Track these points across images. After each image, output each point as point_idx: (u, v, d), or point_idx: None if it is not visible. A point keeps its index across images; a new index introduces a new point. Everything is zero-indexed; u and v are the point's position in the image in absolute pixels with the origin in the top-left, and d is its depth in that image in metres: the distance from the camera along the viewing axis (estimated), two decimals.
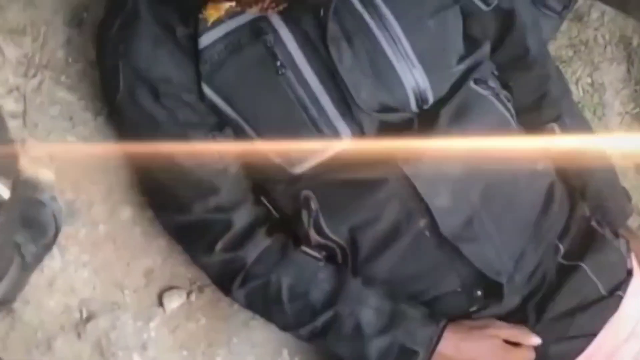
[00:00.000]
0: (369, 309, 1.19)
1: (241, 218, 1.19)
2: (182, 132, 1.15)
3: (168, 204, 1.22)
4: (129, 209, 1.35)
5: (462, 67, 1.19)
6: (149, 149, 1.18)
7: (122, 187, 1.35)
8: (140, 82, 1.14)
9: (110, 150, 1.34)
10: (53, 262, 1.30)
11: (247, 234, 1.20)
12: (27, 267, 1.24)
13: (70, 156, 1.33)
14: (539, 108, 1.31)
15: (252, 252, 1.20)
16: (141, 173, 1.27)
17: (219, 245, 1.19)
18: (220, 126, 1.16)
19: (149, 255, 1.35)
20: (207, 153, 1.16)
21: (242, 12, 1.10)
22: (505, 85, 1.28)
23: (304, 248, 1.21)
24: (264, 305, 1.23)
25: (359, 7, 1.12)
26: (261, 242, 1.20)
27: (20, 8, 1.31)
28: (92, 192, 1.34)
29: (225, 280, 1.22)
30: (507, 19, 1.26)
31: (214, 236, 1.19)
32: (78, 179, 1.33)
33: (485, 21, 1.25)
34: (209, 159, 1.17)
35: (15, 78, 1.31)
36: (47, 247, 1.28)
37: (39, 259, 1.27)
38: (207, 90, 1.13)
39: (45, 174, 1.31)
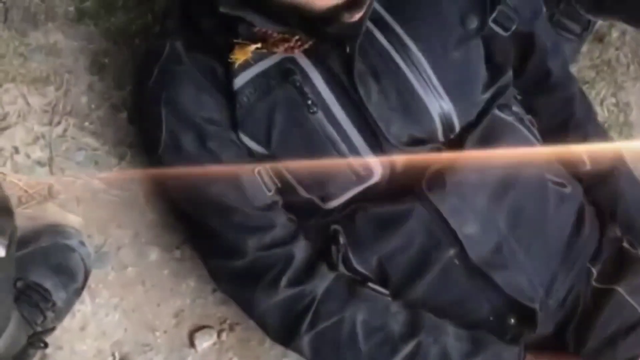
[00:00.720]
0: (449, 335, 1.16)
1: (301, 250, 1.17)
2: (230, 173, 1.13)
3: (220, 250, 1.18)
4: (156, 250, 1.36)
5: (487, 95, 1.19)
6: (195, 194, 1.16)
7: (148, 229, 1.36)
8: (185, 127, 1.12)
9: (136, 193, 1.35)
10: (84, 306, 1.30)
11: (311, 266, 1.17)
12: (59, 314, 1.25)
13: (96, 201, 1.34)
14: (564, 131, 1.30)
15: (320, 285, 1.16)
16: (187, 220, 1.23)
17: (283, 281, 1.15)
18: (260, 163, 1.15)
19: (179, 295, 1.35)
20: (257, 189, 1.14)
21: (269, 53, 1.10)
22: (529, 109, 1.27)
23: (370, 284, 1.18)
24: (334, 349, 1.16)
25: (384, 42, 1.12)
26: (327, 275, 1.17)
27: (42, 58, 1.34)
28: (120, 236, 1.35)
29: (291, 324, 1.16)
30: (526, 43, 1.26)
31: (276, 273, 1.15)
32: (105, 223, 1.34)
33: (505, 47, 1.25)
34: (259, 194, 1.15)
35: (40, 126, 1.33)
36: (77, 292, 1.29)
37: (69, 304, 1.28)
38: (242, 136, 1.13)
39: (72, 220, 1.32)
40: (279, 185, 1.16)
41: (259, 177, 1.14)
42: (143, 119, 1.20)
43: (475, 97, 1.17)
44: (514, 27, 1.21)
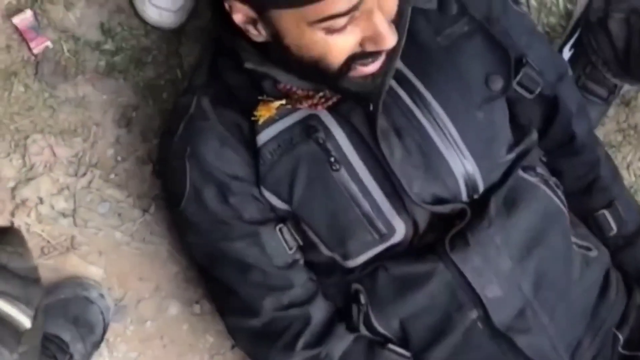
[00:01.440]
0: None
1: (319, 310, 1.17)
2: (252, 230, 1.14)
3: (237, 307, 1.18)
4: (176, 304, 1.36)
5: (512, 155, 1.18)
6: (214, 250, 1.16)
7: (169, 283, 1.36)
8: (208, 182, 1.13)
9: (158, 246, 1.35)
10: (101, 359, 1.29)
11: (329, 328, 1.16)
12: None
13: (118, 253, 1.34)
14: (589, 194, 1.29)
15: (337, 347, 1.15)
16: (206, 275, 1.24)
17: (300, 343, 1.14)
18: (282, 220, 1.15)
19: (197, 351, 1.34)
20: (278, 247, 1.14)
21: (292, 110, 1.11)
22: (554, 172, 1.27)
23: (390, 346, 1.16)
24: None
25: (407, 100, 1.12)
26: (345, 336, 1.16)
27: (71, 110, 1.35)
28: (140, 289, 1.35)
29: None
30: (551, 106, 1.26)
31: (293, 334, 1.15)
32: (126, 276, 1.35)
33: (530, 108, 1.25)
34: (279, 252, 1.15)
35: (66, 177, 1.34)
36: (96, 345, 1.28)
37: (87, 357, 1.27)
38: (264, 192, 1.13)
39: (93, 272, 1.32)
40: (301, 242, 1.16)
41: (279, 234, 1.14)
42: (168, 173, 1.21)
43: (499, 158, 1.17)
44: (538, 90, 1.21)
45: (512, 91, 1.19)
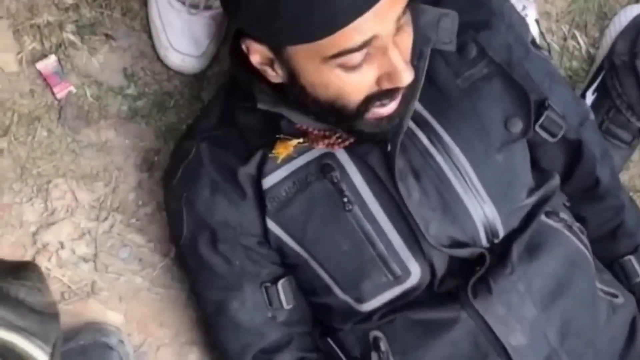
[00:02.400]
0: None
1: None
2: (236, 282, 1.17)
3: (224, 356, 1.23)
4: (196, 350, 1.35)
5: (533, 200, 1.17)
6: (204, 298, 1.21)
7: (189, 329, 1.35)
8: (201, 229, 1.16)
9: (178, 292, 1.35)
10: None
11: None
12: None
13: (139, 298, 1.34)
14: (614, 240, 1.27)
15: None
16: (203, 321, 1.30)
17: None
18: (275, 275, 1.17)
19: None
20: (258, 304, 1.17)
21: (309, 148, 1.11)
22: (578, 217, 1.25)
23: None
24: None
25: (425, 141, 1.11)
26: None
27: (93, 154, 1.36)
28: (160, 335, 1.34)
29: None
30: (574, 151, 1.25)
31: None
32: (146, 321, 1.34)
33: (553, 153, 1.24)
34: (258, 309, 1.17)
35: (87, 222, 1.34)
36: None
37: None
38: (272, 226, 1.13)
39: (113, 317, 1.32)
40: (288, 305, 1.17)
41: (263, 292, 1.17)
42: (169, 214, 1.25)
43: (519, 202, 1.15)
44: (561, 133, 1.20)
45: (535, 135, 1.18)
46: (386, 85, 0.98)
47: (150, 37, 1.38)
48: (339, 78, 0.96)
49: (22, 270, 0.91)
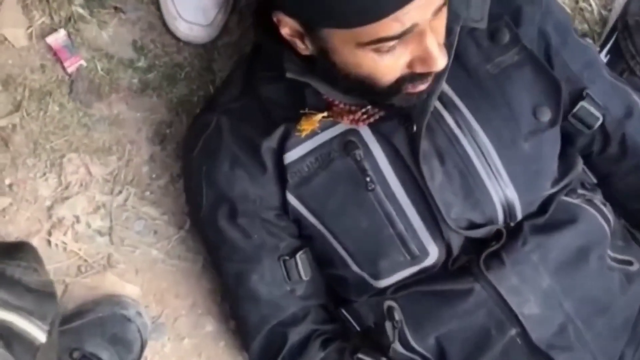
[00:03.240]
0: None
1: (298, 333, 1.19)
2: (255, 255, 1.17)
3: (242, 328, 1.25)
4: (212, 321, 1.36)
5: (555, 189, 1.16)
6: (224, 270, 1.21)
7: (205, 300, 1.36)
8: (221, 201, 1.16)
9: (193, 263, 1.36)
10: None
11: (301, 349, 1.19)
12: None
13: (154, 270, 1.35)
14: None
15: None
16: (222, 292, 1.31)
17: None
18: (292, 248, 1.18)
19: None
20: (276, 277, 1.18)
21: (333, 123, 1.10)
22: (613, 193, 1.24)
23: (360, 355, 1.18)
24: None
25: (452, 124, 1.10)
26: (314, 356, 1.19)
27: (105, 128, 1.36)
28: (177, 306, 1.35)
29: None
30: (619, 145, 1.21)
31: (274, 353, 1.20)
32: (163, 293, 1.35)
33: (588, 143, 1.21)
34: (277, 282, 1.18)
35: (102, 196, 1.35)
36: None
37: None
38: (292, 200, 1.13)
39: (130, 290, 1.33)
40: (306, 277, 1.18)
41: (281, 264, 1.17)
42: (188, 186, 1.25)
43: (543, 191, 1.15)
44: (597, 125, 1.17)
45: (569, 125, 1.17)
46: (419, 69, 0.97)
47: (158, 8, 1.37)
48: (372, 60, 0.95)
49: (18, 250, 0.92)
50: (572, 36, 1.18)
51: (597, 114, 1.17)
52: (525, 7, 1.15)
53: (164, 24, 1.36)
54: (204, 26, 1.35)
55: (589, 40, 1.26)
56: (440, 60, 0.96)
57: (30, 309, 0.86)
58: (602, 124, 1.18)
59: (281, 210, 1.16)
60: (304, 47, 1.01)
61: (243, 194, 1.15)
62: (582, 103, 1.16)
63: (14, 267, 0.88)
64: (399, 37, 0.92)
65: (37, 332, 0.85)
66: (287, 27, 0.99)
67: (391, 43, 0.93)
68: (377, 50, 0.94)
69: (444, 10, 0.96)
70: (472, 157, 1.10)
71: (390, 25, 0.90)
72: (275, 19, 0.99)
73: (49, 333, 0.86)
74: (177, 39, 1.36)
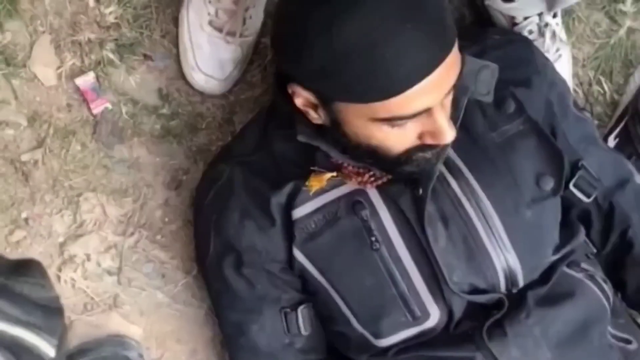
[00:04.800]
0: None
1: None
2: (256, 306, 1.18)
3: None
4: None
5: (557, 256, 1.18)
6: (225, 318, 1.23)
7: (205, 347, 1.37)
8: (227, 251, 1.18)
9: (197, 310, 1.37)
10: None
11: None
12: None
13: (159, 314, 1.36)
14: None
15: None
16: (222, 341, 1.32)
17: None
18: (295, 301, 1.19)
19: None
20: (276, 329, 1.19)
21: (341, 183, 1.13)
22: (617, 283, 1.25)
23: None
24: None
25: (457, 189, 1.13)
26: None
27: (124, 170, 1.39)
28: (177, 350, 1.36)
29: None
30: (607, 215, 1.24)
31: None
32: (165, 337, 1.36)
33: (586, 212, 1.24)
34: (276, 334, 1.19)
35: (114, 236, 1.37)
36: None
37: None
38: (298, 255, 1.15)
39: (134, 331, 1.34)
40: (306, 332, 1.19)
41: (282, 317, 1.18)
42: (197, 233, 1.27)
43: (544, 258, 1.17)
44: (594, 194, 1.21)
45: (570, 194, 1.20)
46: (429, 141, 1.00)
47: (178, 60, 1.41)
48: (383, 133, 0.99)
49: (25, 267, 0.93)
50: (571, 108, 1.23)
51: (595, 183, 1.21)
52: (533, 77, 1.19)
53: (182, 72, 1.40)
54: (219, 80, 1.38)
55: (587, 114, 1.30)
56: (449, 134, 0.99)
57: (39, 324, 0.87)
58: (595, 196, 1.22)
59: (286, 264, 1.18)
60: (316, 117, 1.04)
61: (250, 245, 1.17)
62: (580, 172, 1.19)
63: (22, 284, 0.89)
64: (412, 117, 0.96)
65: (47, 347, 0.86)
66: (302, 97, 1.02)
67: (403, 121, 0.97)
68: (389, 124, 0.98)
69: (453, 89, 1.00)
70: (475, 223, 1.12)
71: (406, 104, 0.95)
72: (290, 91, 1.02)
73: (58, 348, 0.87)
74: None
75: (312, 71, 0.96)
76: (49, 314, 0.89)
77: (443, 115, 0.98)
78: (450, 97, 1.00)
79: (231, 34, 1.36)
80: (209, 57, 1.37)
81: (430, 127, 0.99)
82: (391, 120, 0.97)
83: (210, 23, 1.36)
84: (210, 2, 1.35)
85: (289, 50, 0.98)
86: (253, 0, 1.35)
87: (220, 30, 1.36)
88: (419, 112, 0.96)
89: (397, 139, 1.00)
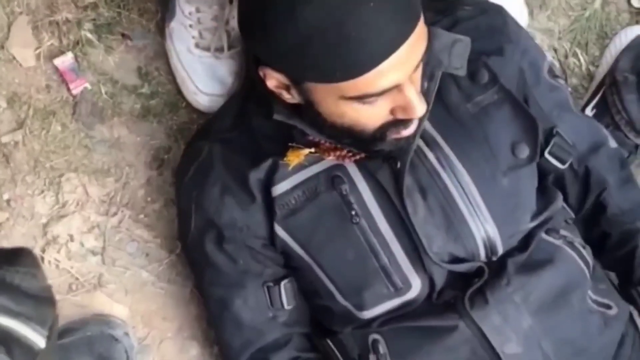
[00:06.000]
0: None
1: (279, 358, 1.21)
2: (239, 280, 1.20)
3: (224, 352, 1.26)
4: (197, 346, 1.37)
5: (535, 223, 1.20)
6: (209, 294, 1.24)
7: (191, 324, 1.38)
8: (208, 227, 1.19)
9: (182, 287, 1.38)
10: None
11: None
12: None
13: (144, 292, 1.37)
14: (631, 268, 1.27)
15: None
16: (206, 317, 1.33)
17: None
18: (277, 276, 1.20)
19: None
20: (259, 303, 1.20)
21: (320, 159, 1.14)
22: (594, 243, 1.27)
23: None
24: None
25: (434, 161, 1.14)
26: None
27: (105, 150, 1.39)
28: (163, 328, 1.37)
29: None
30: (583, 180, 1.27)
31: None
32: (150, 315, 1.37)
33: (562, 178, 1.27)
34: (260, 308, 1.20)
35: (97, 216, 1.37)
36: None
37: None
38: (279, 231, 1.16)
39: (119, 310, 1.34)
40: (288, 305, 1.20)
41: (265, 291, 1.19)
42: (179, 211, 1.28)
43: (522, 225, 1.18)
44: (570, 160, 1.23)
45: (545, 161, 1.22)
46: (400, 116, 1.02)
47: (176, 83, 1.41)
48: (354, 110, 1.00)
49: (16, 256, 0.92)
50: (543, 76, 1.24)
51: (570, 149, 1.23)
52: (506, 46, 1.21)
53: (184, 98, 1.40)
54: (222, 95, 1.38)
55: (562, 81, 1.31)
56: (420, 108, 1.01)
57: (30, 314, 0.86)
58: (570, 161, 1.24)
59: (268, 240, 1.19)
60: (290, 97, 1.05)
61: (231, 222, 1.18)
62: (555, 139, 1.21)
63: (12, 273, 0.89)
64: (381, 94, 0.98)
65: (37, 338, 0.86)
66: (274, 79, 1.03)
67: (373, 98, 0.98)
68: (360, 101, 0.99)
69: (421, 64, 1.01)
70: (453, 192, 1.14)
71: (373, 81, 0.96)
72: (261, 74, 1.03)
73: (48, 338, 0.87)
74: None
75: (279, 53, 0.97)
76: (40, 303, 0.89)
77: (413, 90, 0.99)
78: (419, 72, 1.01)
79: (219, 50, 1.37)
80: (206, 76, 1.37)
81: (401, 102, 1.00)
82: (361, 98, 0.98)
83: (197, 45, 1.37)
84: (191, 26, 1.35)
85: (257, 34, 0.99)
86: (232, 12, 1.35)
87: (207, 49, 1.36)
88: (388, 88, 0.97)
89: (369, 116, 1.01)
